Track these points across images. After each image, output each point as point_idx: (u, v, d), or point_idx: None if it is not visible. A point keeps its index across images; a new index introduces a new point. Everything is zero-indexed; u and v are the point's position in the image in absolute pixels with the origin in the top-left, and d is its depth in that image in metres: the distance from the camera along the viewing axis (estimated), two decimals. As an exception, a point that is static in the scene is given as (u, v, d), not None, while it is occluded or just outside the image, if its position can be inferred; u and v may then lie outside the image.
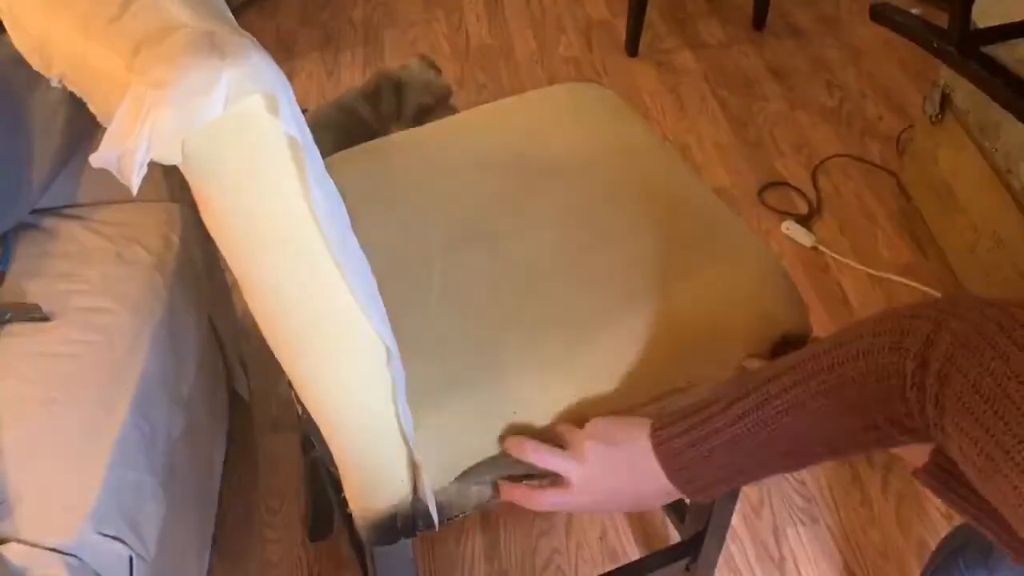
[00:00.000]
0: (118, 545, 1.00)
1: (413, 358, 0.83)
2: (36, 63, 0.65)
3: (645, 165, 1.10)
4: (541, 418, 0.86)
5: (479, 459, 0.86)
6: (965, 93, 1.80)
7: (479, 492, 0.87)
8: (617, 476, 0.80)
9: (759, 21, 2.61)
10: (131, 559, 1.02)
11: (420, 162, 1.10)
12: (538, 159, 1.09)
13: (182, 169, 0.58)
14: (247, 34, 0.57)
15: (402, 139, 1.16)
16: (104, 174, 1.43)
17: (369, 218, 0.99)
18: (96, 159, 0.52)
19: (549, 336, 0.89)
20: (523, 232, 0.99)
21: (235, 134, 0.56)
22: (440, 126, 1.19)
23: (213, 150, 0.56)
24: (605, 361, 0.88)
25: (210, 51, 0.53)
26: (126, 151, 0.52)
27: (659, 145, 1.14)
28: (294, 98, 0.57)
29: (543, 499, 0.82)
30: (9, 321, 1.14)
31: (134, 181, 0.52)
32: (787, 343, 0.96)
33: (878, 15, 1.72)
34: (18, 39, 0.66)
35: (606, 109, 1.19)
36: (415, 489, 0.82)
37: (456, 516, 0.88)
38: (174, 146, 0.54)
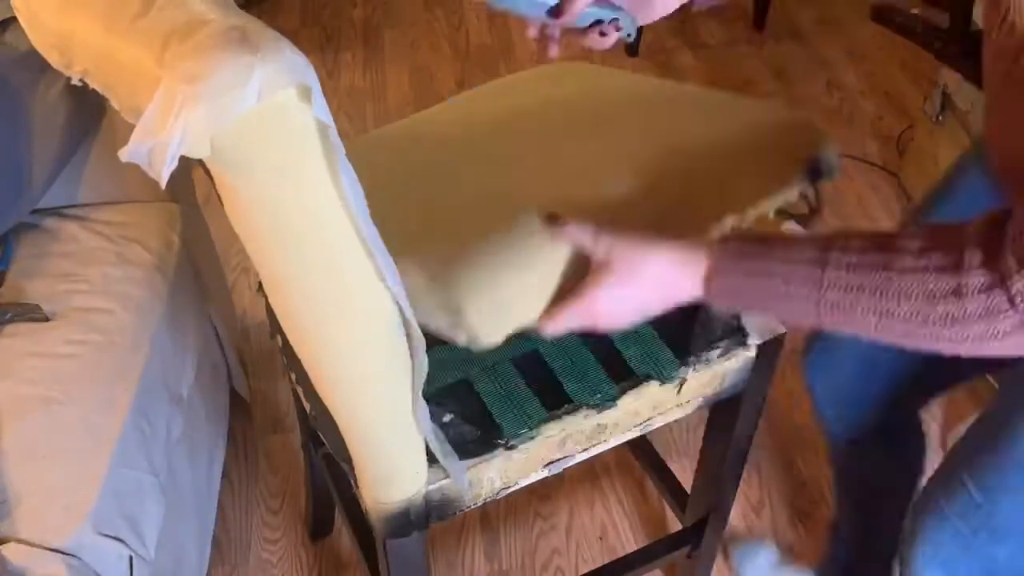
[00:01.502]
0: (118, 545, 1.00)
1: (440, 231, 0.85)
2: (55, 60, 0.65)
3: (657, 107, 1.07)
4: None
5: (529, 302, 0.81)
6: (965, 93, 1.80)
7: (490, 483, 0.89)
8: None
9: (759, 21, 2.61)
10: (131, 559, 1.02)
11: (425, 149, 1.07)
12: (549, 124, 1.05)
13: (208, 163, 0.58)
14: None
15: (399, 129, 1.13)
16: (104, 174, 1.43)
17: (379, 211, 0.98)
18: (126, 153, 0.52)
19: (566, 193, 0.88)
20: (523, 179, 0.94)
21: (268, 125, 0.56)
22: (433, 113, 1.15)
23: (245, 141, 0.56)
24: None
25: (242, 45, 0.53)
26: (157, 144, 0.52)
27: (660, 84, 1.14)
28: (320, 87, 0.57)
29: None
30: (9, 321, 1.14)
31: (164, 174, 0.52)
32: (818, 168, 0.92)
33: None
34: (35, 37, 0.66)
35: (603, 74, 1.17)
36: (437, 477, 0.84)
37: (468, 507, 0.89)
38: (204, 140, 0.54)
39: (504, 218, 0.84)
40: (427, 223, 0.89)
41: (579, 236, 0.77)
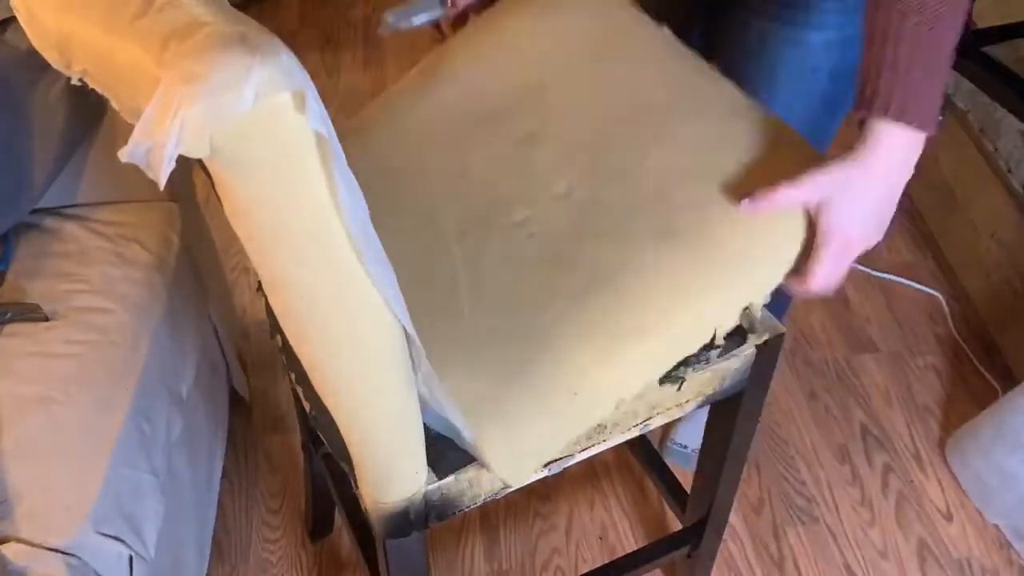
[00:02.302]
0: (118, 545, 1.01)
1: (459, 362, 0.84)
2: (55, 60, 0.65)
3: (646, 71, 1.00)
4: (603, 393, 0.86)
5: (550, 446, 0.87)
6: (965, 93, 1.80)
7: (490, 483, 0.89)
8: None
9: (759, 21, 2.61)
10: (131, 559, 1.02)
11: (405, 135, 1.02)
12: (528, 92, 0.99)
13: (207, 162, 0.59)
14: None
15: (373, 113, 1.06)
16: (104, 174, 1.43)
17: (373, 210, 0.96)
18: (125, 153, 0.52)
19: (588, 303, 0.86)
20: (534, 197, 0.93)
21: (264, 129, 0.57)
22: (412, 80, 1.06)
23: (242, 143, 0.57)
24: (645, 318, 0.86)
25: (241, 47, 0.53)
26: (155, 145, 0.52)
27: (652, 36, 1.03)
28: (318, 94, 0.58)
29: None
30: (9, 321, 1.14)
31: (163, 174, 0.52)
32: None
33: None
34: (35, 37, 0.66)
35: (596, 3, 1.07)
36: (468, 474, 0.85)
37: (467, 507, 0.90)
38: (203, 139, 0.54)
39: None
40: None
41: (785, 197, 0.82)
